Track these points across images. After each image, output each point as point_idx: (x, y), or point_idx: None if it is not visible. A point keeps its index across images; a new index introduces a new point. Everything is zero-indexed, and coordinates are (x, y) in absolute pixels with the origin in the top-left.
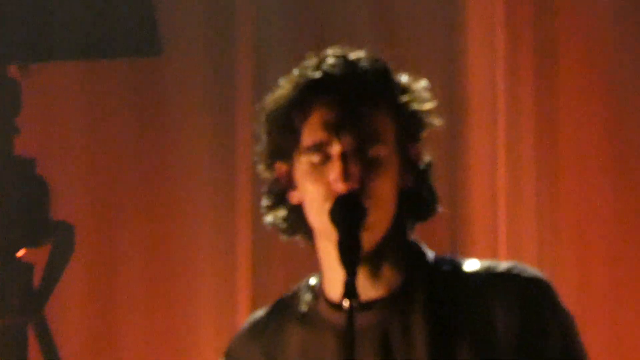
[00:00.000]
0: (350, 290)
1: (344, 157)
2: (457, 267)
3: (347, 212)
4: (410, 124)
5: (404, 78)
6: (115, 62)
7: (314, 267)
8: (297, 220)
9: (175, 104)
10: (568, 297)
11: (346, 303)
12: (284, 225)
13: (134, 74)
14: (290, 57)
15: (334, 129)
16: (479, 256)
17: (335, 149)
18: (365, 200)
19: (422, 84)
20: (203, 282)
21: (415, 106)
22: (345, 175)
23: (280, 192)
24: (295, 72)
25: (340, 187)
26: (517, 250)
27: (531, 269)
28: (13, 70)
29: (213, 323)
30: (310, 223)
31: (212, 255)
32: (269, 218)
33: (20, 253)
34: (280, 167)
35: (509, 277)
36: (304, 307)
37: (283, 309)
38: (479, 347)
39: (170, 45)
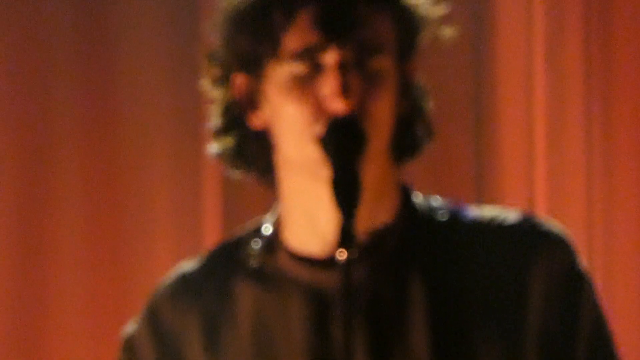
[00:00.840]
0: (348, 237)
1: (342, 67)
2: (455, 216)
3: (346, 139)
4: (412, 32)
5: None
6: None
7: None
8: (258, 150)
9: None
10: (625, 261)
11: (342, 254)
12: (237, 156)
13: None
14: None
15: (330, 30)
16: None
17: (331, 56)
18: (366, 123)
19: None
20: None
21: (420, 9)
22: (345, 90)
23: (237, 112)
24: None
25: (337, 105)
26: (560, 199)
27: (550, 223)
28: None
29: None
30: (278, 153)
31: (173, 181)
32: (215, 146)
33: None
34: (240, 80)
35: (524, 234)
36: (255, 260)
37: (224, 261)
38: (500, 324)
39: None
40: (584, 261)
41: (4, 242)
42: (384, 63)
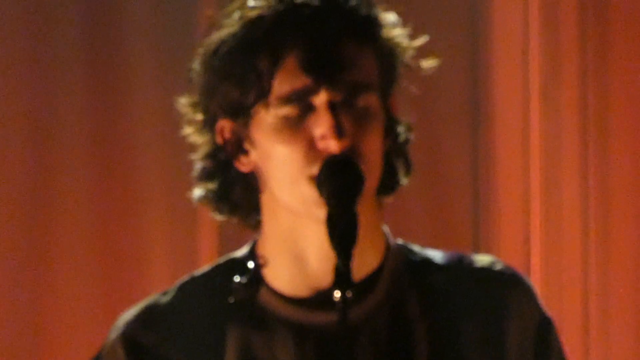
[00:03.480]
0: (344, 277)
1: (333, 107)
2: (427, 259)
3: (343, 178)
4: (393, 67)
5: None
6: None
7: None
8: (244, 193)
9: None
10: (621, 294)
11: (338, 294)
12: (222, 199)
13: None
14: None
15: (319, 73)
16: (507, 238)
17: (322, 97)
18: (359, 162)
19: (393, 14)
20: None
21: (400, 42)
22: (338, 130)
23: (223, 157)
24: (250, 1)
25: (332, 145)
26: (556, 236)
27: (511, 267)
28: None
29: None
30: (266, 194)
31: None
32: (199, 191)
33: None
34: (225, 126)
35: (495, 278)
36: (237, 295)
37: (199, 295)
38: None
39: None
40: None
41: (10, 259)
42: (372, 100)
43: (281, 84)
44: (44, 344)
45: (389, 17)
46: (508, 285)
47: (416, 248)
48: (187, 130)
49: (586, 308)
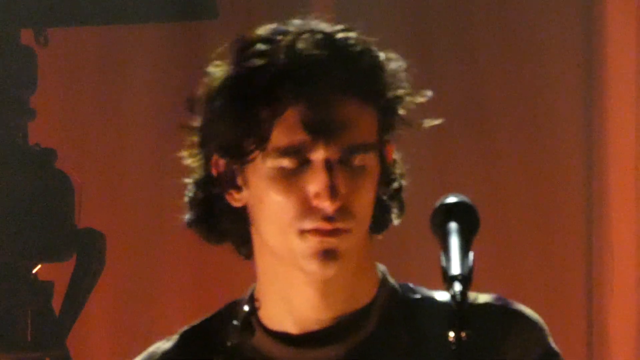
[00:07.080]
0: (459, 318)
1: (329, 165)
2: (428, 297)
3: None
4: (394, 122)
5: (383, 58)
6: (149, 27)
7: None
8: (234, 225)
9: None
10: None
11: (452, 335)
12: (211, 228)
13: (177, 42)
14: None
15: (318, 130)
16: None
17: (319, 155)
18: (348, 220)
19: (399, 63)
20: None
21: (405, 100)
22: (332, 191)
23: (214, 187)
24: (260, 45)
25: (325, 205)
26: None
27: (521, 305)
28: (28, 36)
29: None
30: (257, 234)
31: None
32: (190, 215)
33: (37, 269)
34: (219, 161)
35: (498, 313)
36: (233, 339)
37: (201, 341)
38: None
39: (226, 8)
40: (555, 343)
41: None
42: (368, 159)
43: (279, 136)
44: None
45: (395, 66)
46: (509, 319)
47: (420, 289)
48: (184, 153)
49: None
